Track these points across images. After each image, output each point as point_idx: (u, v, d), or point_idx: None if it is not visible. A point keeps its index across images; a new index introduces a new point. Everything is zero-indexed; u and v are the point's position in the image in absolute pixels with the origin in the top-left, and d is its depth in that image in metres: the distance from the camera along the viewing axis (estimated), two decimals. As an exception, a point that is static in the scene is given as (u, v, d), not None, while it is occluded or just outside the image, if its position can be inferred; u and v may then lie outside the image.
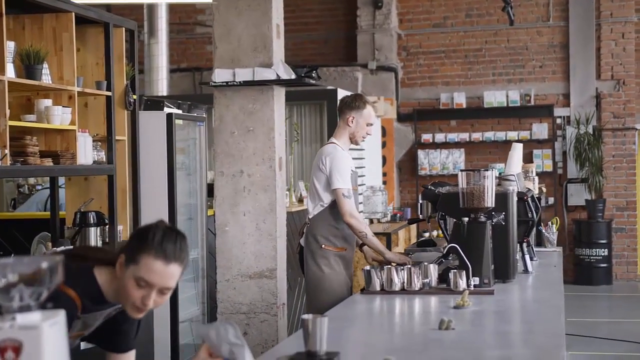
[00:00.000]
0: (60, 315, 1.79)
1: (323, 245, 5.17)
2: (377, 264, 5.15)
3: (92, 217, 5.39)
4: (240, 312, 5.60)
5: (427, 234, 12.23)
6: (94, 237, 5.39)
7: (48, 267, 1.77)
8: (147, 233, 2.58)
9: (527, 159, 12.22)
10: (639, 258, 12.61)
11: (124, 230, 5.81)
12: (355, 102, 5.28)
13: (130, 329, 2.87)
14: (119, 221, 5.68)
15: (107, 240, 5.57)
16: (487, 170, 4.39)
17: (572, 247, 12.41)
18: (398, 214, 11.12)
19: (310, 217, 5.28)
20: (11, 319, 1.74)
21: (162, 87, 10.60)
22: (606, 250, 12.11)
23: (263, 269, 5.77)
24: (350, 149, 9.35)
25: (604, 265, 12.13)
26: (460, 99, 12.74)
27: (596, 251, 12.09)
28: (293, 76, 5.76)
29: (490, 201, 4.36)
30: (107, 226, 5.54)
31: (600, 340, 8.56)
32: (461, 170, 4.44)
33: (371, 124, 5.32)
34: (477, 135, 12.64)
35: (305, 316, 2.73)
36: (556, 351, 2.85)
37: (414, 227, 11.25)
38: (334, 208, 5.15)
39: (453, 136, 12.73)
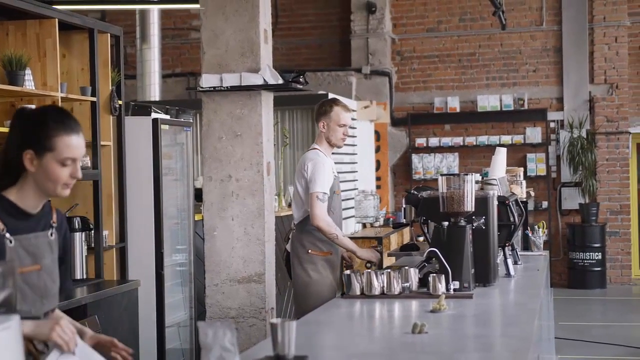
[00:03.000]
0: (14, 320, 1.81)
1: (310, 251, 5.24)
2: (346, 267, 5.22)
3: (77, 223, 5.40)
4: (229, 317, 5.61)
5: (421, 238, 12.24)
6: (79, 242, 5.40)
7: (0, 273, 1.79)
8: (46, 119, 2.67)
9: (521, 162, 12.24)
10: (632, 262, 12.62)
11: (109, 236, 5.82)
12: (323, 107, 5.40)
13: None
14: (104, 226, 5.69)
15: (92, 245, 5.58)
16: (467, 174, 4.41)
17: (565, 251, 12.42)
18: (391, 218, 11.13)
19: (295, 222, 5.35)
20: (-38, 324, 1.75)
21: (154, 92, 10.63)
22: (600, 254, 12.12)
23: (251, 274, 5.78)
24: (341, 153, 9.39)
25: (598, 269, 12.14)
26: (454, 103, 12.76)
27: (590, 255, 12.10)
28: (280, 81, 5.78)
29: (470, 205, 4.37)
30: (92, 231, 5.55)
31: (592, 344, 8.57)
32: (441, 175, 4.46)
33: (344, 125, 5.36)
34: (471, 140, 12.66)
35: (273, 320, 2.76)
36: (522, 354, 2.86)
37: (407, 231, 11.27)
38: None
39: (447, 140, 12.74)
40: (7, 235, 2.62)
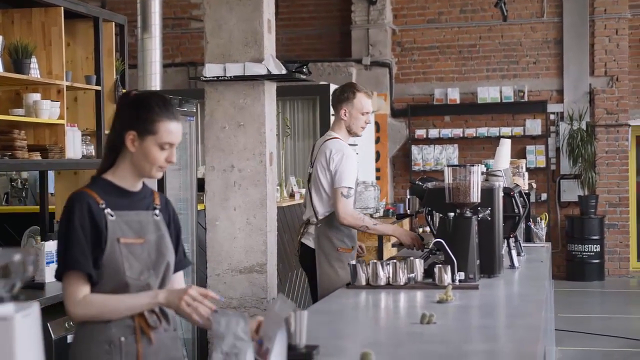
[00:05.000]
0: (33, 308, 1.81)
1: (339, 249, 5.05)
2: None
3: (81, 212, 5.38)
4: (231, 307, 5.61)
5: (420, 230, 12.24)
6: (83, 231, 5.38)
7: (20, 260, 1.79)
8: (151, 104, 2.81)
9: (521, 154, 12.25)
10: (631, 254, 12.65)
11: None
12: (344, 93, 5.16)
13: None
14: (108, 215, 5.68)
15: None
16: (473, 165, 4.41)
17: (564, 243, 12.44)
18: (391, 209, 11.15)
19: (319, 217, 5.11)
20: (-17, 311, 1.75)
21: (155, 81, 10.54)
22: (598, 246, 12.14)
23: (253, 264, 5.79)
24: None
25: (596, 261, 12.17)
26: (454, 95, 12.76)
27: (588, 247, 12.13)
28: (284, 71, 5.77)
29: (476, 196, 4.37)
30: (96, 220, 5.53)
31: (591, 336, 8.59)
32: (447, 166, 4.46)
33: (366, 112, 5.16)
34: (470, 131, 12.67)
35: (285, 310, 2.76)
36: (532, 344, 2.87)
37: (407, 222, 11.28)
38: None
39: (447, 132, 12.75)
40: (108, 210, 2.78)
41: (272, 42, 5.99)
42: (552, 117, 12.60)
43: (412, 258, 4.38)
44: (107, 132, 5.77)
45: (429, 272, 4.35)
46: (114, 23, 5.86)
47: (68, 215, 2.76)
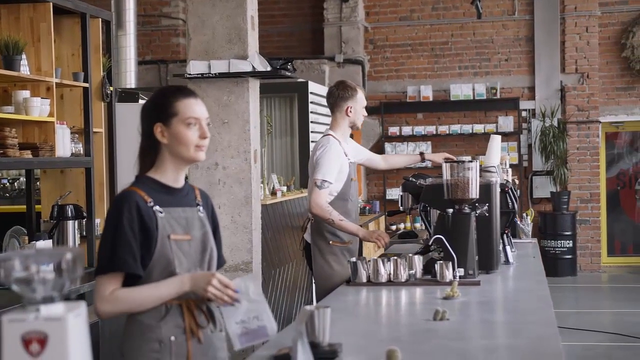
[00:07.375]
0: (82, 307, 1.78)
1: (331, 242, 5.09)
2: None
3: (69, 211, 5.31)
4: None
5: (393, 227, 12.27)
6: (72, 230, 5.32)
7: (72, 259, 1.75)
8: (164, 93, 2.86)
9: (494, 151, 12.30)
10: (602, 249, 12.79)
11: (101, 224, 5.74)
12: (348, 91, 5.22)
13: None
14: (96, 214, 5.61)
15: (84, 233, 5.50)
16: (472, 161, 4.41)
17: (537, 239, 12.52)
18: (367, 207, 11.18)
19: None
20: (35, 311, 1.72)
21: (130, 79, 10.47)
22: (571, 241, 12.26)
23: (238, 262, 5.77)
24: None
25: (569, 256, 12.28)
26: (427, 92, 12.79)
27: (561, 243, 12.23)
28: (269, 68, 5.75)
29: (474, 192, 4.38)
30: (84, 219, 5.47)
31: (568, 331, 8.66)
32: (445, 161, 4.45)
33: (364, 105, 5.32)
34: (443, 128, 12.71)
35: (309, 307, 2.73)
36: (553, 340, 2.88)
37: (382, 219, 11.31)
38: (338, 202, 5.06)
39: (420, 129, 12.78)
40: (156, 207, 2.78)
41: (255, 38, 5.97)
42: (524, 114, 12.69)
43: (410, 254, 4.38)
44: (95, 130, 5.69)
45: (427, 269, 4.35)
46: (100, 19, 5.77)
47: (117, 215, 2.75)
